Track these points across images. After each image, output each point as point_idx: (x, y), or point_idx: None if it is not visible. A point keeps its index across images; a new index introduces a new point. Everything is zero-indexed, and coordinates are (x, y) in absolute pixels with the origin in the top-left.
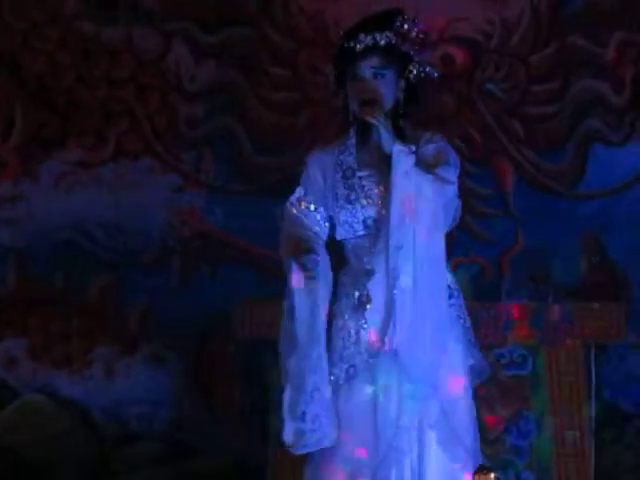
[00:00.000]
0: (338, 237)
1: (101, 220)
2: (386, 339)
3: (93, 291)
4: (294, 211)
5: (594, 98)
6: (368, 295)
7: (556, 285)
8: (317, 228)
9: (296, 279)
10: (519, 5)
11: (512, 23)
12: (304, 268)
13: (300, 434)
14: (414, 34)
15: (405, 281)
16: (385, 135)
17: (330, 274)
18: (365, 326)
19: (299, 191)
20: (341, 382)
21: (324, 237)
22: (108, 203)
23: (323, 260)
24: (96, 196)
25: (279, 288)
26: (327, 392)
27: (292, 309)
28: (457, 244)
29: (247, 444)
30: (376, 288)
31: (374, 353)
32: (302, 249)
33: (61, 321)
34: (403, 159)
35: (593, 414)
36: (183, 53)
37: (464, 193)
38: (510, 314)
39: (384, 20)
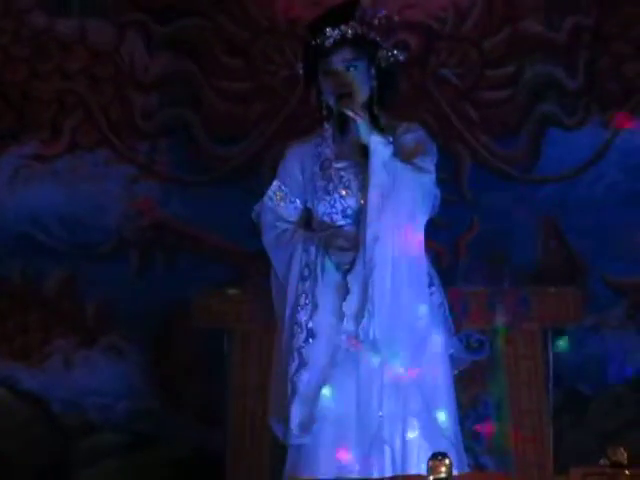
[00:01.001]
0: (316, 226)
1: (57, 213)
2: (360, 329)
3: (50, 283)
4: (270, 204)
5: (548, 82)
6: (347, 287)
7: (512, 269)
8: (293, 219)
9: None
10: None
11: (465, 8)
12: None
13: (309, 422)
14: (377, 21)
15: (381, 272)
16: (363, 127)
17: None
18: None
19: (276, 184)
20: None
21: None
22: (64, 196)
23: None
24: (52, 189)
25: (236, 277)
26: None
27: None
28: None
29: (206, 434)
30: (355, 280)
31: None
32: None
33: (19, 314)
34: (381, 150)
35: (551, 398)
36: (137, 44)
37: None
38: (466, 299)
39: (345, 12)
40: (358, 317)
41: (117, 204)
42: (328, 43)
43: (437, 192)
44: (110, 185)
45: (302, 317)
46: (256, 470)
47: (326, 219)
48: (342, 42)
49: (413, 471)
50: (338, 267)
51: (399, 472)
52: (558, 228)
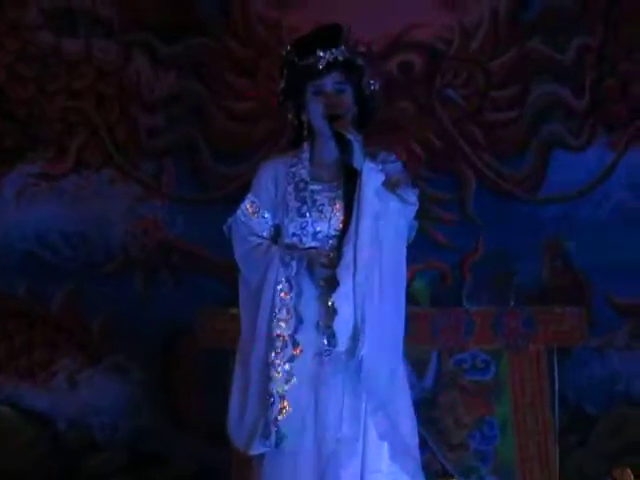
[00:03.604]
0: (284, 245)
1: (63, 231)
2: (356, 350)
3: (56, 302)
4: (243, 219)
5: (554, 103)
6: (334, 307)
7: (518, 289)
8: (265, 233)
9: None
10: (478, 11)
11: (471, 29)
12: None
13: (267, 433)
14: (361, 48)
15: (373, 296)
16: (358, 151)
17: None
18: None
19: (249, 197)
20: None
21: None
22: (70, 214)
23: None
24: (58, 208)
25: None
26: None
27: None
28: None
29: (211, 452)
30: (343, 301)
31: (316, 358)
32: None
33: (24, 332)
34: (373, 177)
35: (557, 419)
36: (143, 63)
37: (423, 199)
38: (471, 319)
39: (333, 36)
40: (350, 338)
41: (122, 223)
42: (321, 65)
43: (414, 224)
44: (115, 204)
45: (285, 331)
46: None
47: (295, 240)
48: (334, 64)
49: None
50: (317, 284)
51: None
52: (563, 248)
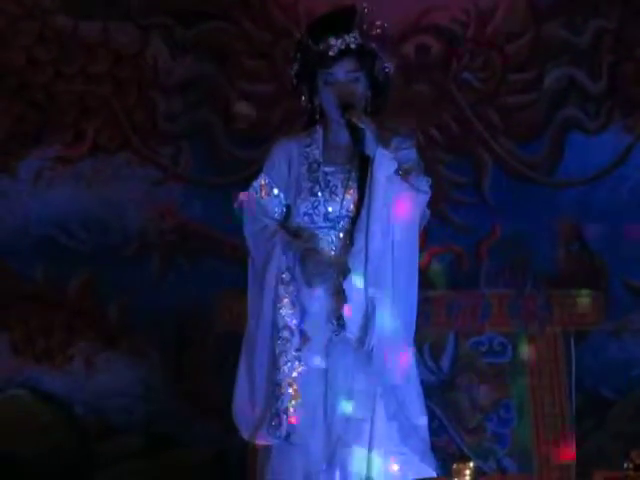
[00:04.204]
0: (294, 224)
1: (80, 215)
2: (366, 339)
3: (73, 286)
4: (256, 196)
5: (571, 86)
6: (344, 294)
7: (534, 273)
8: (277, 213)
9: None
10: None
11: (488, 12)
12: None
13: (277, 424)
14: (376, 31)
15: (386, 285)
16: (371, 138)
17: None
18: None
19: (262, 177)
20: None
21: (281, 221)
22: (87, 198)
23: None
24: (75, 191)
25: None
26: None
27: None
28: (433, 232)
29: (227, 436)
30: (353, 287)
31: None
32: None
33: (42, 316)
34: (386, 164)
35: (574, 402)
36: (160, 47)
37: (440, 182)
38: (488, 302)
39: (346, 19)
40: (361, 326)
41: (139, 207)
42: (332, 52)
43: (427, 212)
44: (132, 188)
45: (291, 321)
46: None
47: (306, 219)
48: (346, 52)
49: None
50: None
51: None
52: (580, 232)
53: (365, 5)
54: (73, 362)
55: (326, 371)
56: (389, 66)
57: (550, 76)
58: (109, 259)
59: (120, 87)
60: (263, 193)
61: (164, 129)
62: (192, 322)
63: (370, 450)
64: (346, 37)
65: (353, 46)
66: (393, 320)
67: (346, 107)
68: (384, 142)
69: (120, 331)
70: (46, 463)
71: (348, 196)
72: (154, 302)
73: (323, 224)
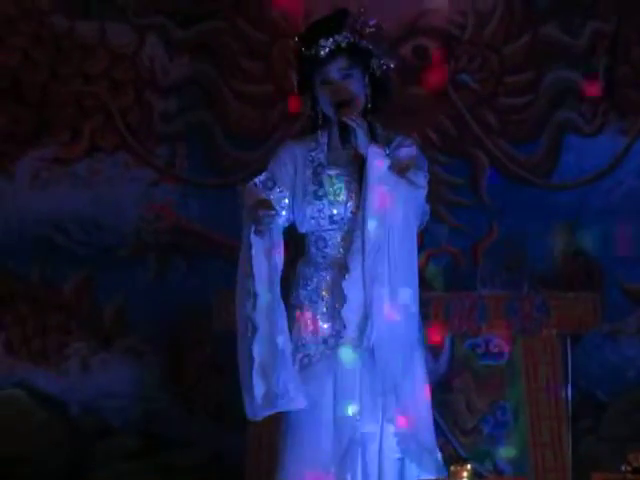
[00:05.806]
0: (302, 230)
1: (76, 215)
2: (365, 337)
3: (69, 286)
4: (259, 186)
5: (568, 89)
6: (343, 294)
7: (531, 275)
8: (279, 208)
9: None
10: None
11: (485, 14)
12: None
13: (272, 396)
14: (368, 30)
15: (382, 282)
16: (362, 136)
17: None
18: (323, 317)
19: (266, 175)
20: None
21: (283, 220)
22: (83, 199)
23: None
24: (71, 192)
25: None
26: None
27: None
28: (430, 234)
29: (224, 437)
30: (352, 287)
31: (332, 344)
32: (262, 204)
33: (37, 316)
34: (378, 161)
35: (569, 404)
36: (157, 48)
37: (437, 183)
38: (484, 304)
39: (337, 21)
40: (359, 324)
41: (136, 207)
42: (323, 53)
43: (427, 208)
44: (129, 188)
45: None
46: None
47: (313, 223)
48: (337, 51)
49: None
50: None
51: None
52: (576, 234)
53: (360, 7)
54: (69, 362)
55: (334, 368)
56: (387, 63)
57: (547, 78)
58: (105, 259)
59: (116, 87)
60: (265, 187)
61: (160, 129)
62: (188, 322)
63: (381, 448)
64: (336, 37)
65: (344, 45)
66: (392, 318)
67: (340, 105)
68: (386, 140)
69: (116, 331)
70: (41, 463)
71: (351, 197)
72: (150, 302)
73: (329, 227)
